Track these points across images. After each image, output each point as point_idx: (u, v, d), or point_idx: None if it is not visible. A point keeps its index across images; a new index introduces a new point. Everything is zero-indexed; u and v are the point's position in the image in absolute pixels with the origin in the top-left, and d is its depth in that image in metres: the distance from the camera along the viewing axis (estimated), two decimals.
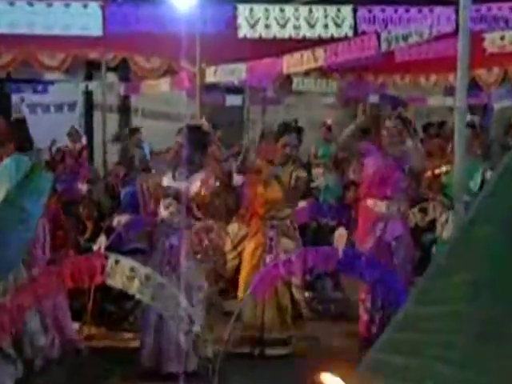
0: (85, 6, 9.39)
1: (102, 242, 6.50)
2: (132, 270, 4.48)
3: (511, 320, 1.12)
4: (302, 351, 5.78)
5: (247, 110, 13.49)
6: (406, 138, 5.86)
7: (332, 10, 8.59)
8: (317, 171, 9.83)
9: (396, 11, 8.64)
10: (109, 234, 6.58)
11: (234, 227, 7.38)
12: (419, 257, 7.18)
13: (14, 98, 13.32)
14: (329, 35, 8.57)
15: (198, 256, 5.35)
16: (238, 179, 7.59)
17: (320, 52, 7.95)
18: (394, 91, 12.60)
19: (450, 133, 6.56)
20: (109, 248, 6.09)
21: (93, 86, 12.77)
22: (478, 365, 1.13)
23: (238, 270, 6.44)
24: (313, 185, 8.54)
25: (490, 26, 7.90)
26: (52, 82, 13.07)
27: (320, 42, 8.46)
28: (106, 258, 4.53)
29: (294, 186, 5.77)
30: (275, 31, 8.62)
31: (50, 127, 11.46)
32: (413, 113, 8.92)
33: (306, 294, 6.64)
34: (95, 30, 9.29)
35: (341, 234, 7.34)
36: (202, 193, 5.21)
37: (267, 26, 8.61)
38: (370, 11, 8.65)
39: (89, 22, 9.35)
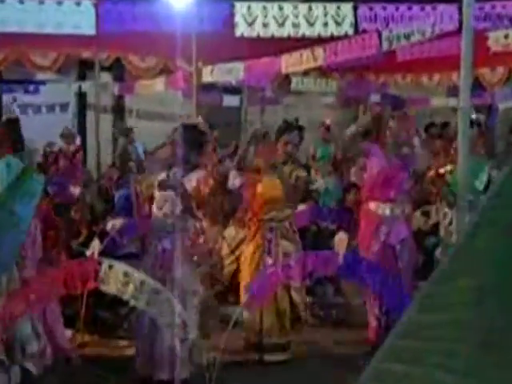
0: (77, 4, 9.26)
1: (95, 246, 6.36)
2: (126, 275, 4.48)
3: None
4: (301, 357, 5.71)
5: (245, 110, 13.34)
6: (414, 137, 5.76)
7: (332, 7, 8.50)
8: (316, 174, 9.67)
9: (398, 9, 8.55)
10: (102, 239, 6.48)
11: (230, 231, 7.23)
12: (422, 261, 7.11)
13: (5, 98, 13.13)
14: (328, 34, 8.51)
15: (195, 258, 5.21)
16: (234, 182, 7.41)
17: (319, 51, 7.82)
18: (396, 91, 12.48)
19: (453, 134, 6.46)
20: (103, 253, 5.99)
21: (86, 85, 12.61)
22: (481, 374, 1.12)
23: (235, 274, 6.34)
24: (312, 188, 8.41)
25: (494, 24, 7.84)
26: (44, 82, 12.89)
27: (319, 40, 8.40)
28: (100, 263, 4.53)
29: (295, 185, 5.75)
30: (273, 29, 8.55)
31: (41, 128, 11.25)
32: (414, 113, 8.79)
33: (307, 299, 6.52)
34: (88, 28, 9.17)
35: (341, 238, 7.23)
36: (201, 189, 5.07)
37: (265, 25, 8.53)
38: (370, 9, 8.57)
39: (81, 20, 9.23)
